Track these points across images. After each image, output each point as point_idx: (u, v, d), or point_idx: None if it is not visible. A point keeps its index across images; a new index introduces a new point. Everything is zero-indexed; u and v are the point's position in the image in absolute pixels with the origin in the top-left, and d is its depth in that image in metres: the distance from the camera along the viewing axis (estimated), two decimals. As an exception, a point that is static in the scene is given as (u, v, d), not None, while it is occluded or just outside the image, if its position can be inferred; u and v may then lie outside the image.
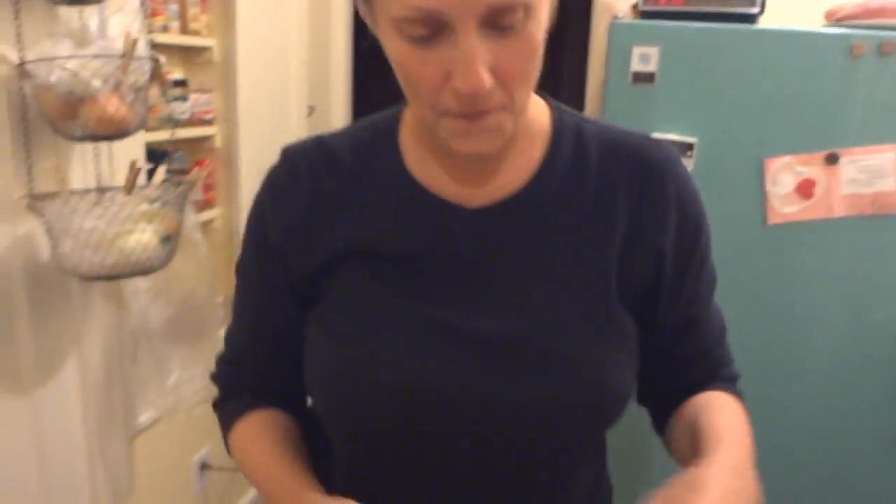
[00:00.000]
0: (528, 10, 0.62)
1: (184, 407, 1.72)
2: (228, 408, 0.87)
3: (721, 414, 0.74)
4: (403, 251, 0.75)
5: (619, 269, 0.74)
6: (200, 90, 1.86)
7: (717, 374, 0.84)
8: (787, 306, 1.73)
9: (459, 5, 0.59)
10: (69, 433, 1.61)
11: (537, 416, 0.71)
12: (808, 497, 1.78)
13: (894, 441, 1.64)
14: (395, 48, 0.65)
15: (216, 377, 0.90)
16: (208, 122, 1.90)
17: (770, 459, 1.83)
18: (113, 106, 1.34)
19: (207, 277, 1.71)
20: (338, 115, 2.60)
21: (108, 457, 1.70)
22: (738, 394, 0.83)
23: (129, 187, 1.37)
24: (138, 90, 1.39)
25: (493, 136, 0.67)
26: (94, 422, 1.65)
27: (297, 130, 2.37)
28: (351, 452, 0.82)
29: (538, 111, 0.77)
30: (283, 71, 2.31)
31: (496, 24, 0.61)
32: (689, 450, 0.73)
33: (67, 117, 1.36)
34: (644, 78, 1.84)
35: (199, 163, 1.90)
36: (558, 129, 0.77)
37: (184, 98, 1.77)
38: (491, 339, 0.72)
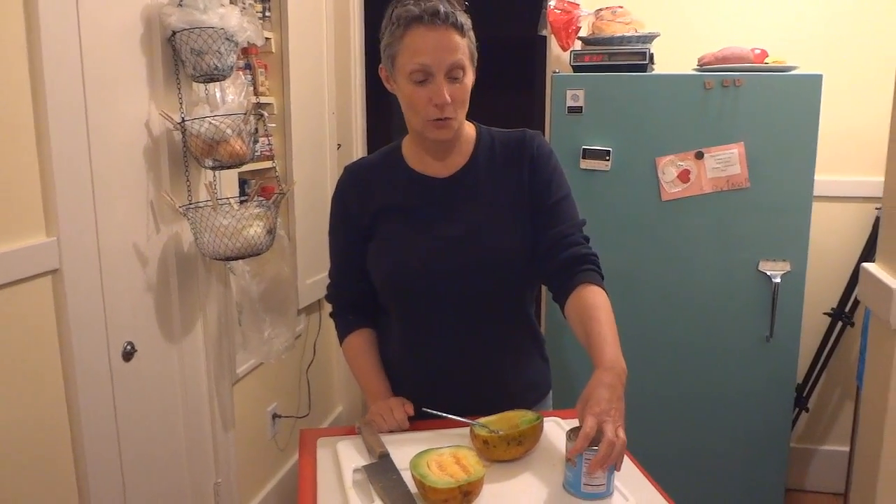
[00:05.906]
0: (464, 71, 1.21)
1: (274, 354, 2.22)
2: (340, 322, 1.45)
3: (596, 323, 1.13)
4: (409, 204, 1.30)
5: (528, 191, 1.28)
6: (264, 134, 2.35)
7: (582, 255, 1.25)
8: (677, 253, 2.08)
9: (438, 64, 1.18)
10: (197, 375, 2.09)
11: (475, 267, 1.25)
12: (696, 389, 2.13)
13: (763, 338, 2.02)
14: (405, 89, 1.22)
15: (328, 296, 1.49)
16: (269, 157, 2.39)
17: (665, 350, 2.22)
18: (239, 146, 1.89)
19: (289, 262, 2.23)
20: (357, 150, 2.99)
21: (220, 395, 2.18)
22: (599, 280, 1.24)
23: (215, 198, 1.88)
24: (251, 135, 1.95)
25: (447, 130, 1.23)
26: (212, 367, 2.14)
27: (329, 161, 2.82)
28: (397, 314, 1.35)
29: (469, 128, 1.34)
30: (319, 119, 2.74)
31: (451, 76, 1.19)
32: (583, 338, 1.15)
33: (206, 154, 1.89)
34: (575, 110, 2.26)
35: (266, 188, 2.38)
36: (479, 135, 1.34)
37: (257, 140, 2.26)
38: (452, 238, 1.26)
